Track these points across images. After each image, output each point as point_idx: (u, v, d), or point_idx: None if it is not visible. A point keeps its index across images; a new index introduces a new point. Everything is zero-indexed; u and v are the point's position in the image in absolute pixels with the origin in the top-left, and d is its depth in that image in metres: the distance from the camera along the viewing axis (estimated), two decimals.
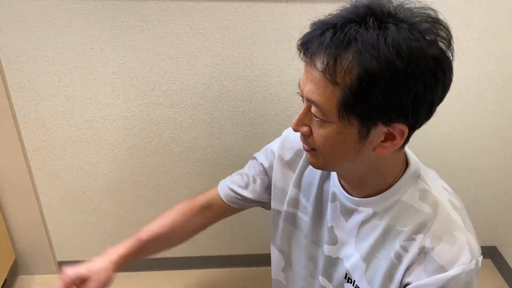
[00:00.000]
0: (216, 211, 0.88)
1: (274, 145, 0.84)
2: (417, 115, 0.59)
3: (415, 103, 0.57)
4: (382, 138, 0.61)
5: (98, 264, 0.81)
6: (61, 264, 1.42)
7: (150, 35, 1.07)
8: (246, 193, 0.85)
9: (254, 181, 0.85)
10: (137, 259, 0.86)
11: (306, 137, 0.66)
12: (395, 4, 0.59)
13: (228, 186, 0.86)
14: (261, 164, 0.85)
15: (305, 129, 0.65)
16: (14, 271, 1.42)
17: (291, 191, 0.81)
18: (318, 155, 0.66)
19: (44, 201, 1.29)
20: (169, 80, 1.14)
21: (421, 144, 1.30)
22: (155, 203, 1.34)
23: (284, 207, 0.83)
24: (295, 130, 0.66)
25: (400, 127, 0.59)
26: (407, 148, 0.69)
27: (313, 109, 0.61)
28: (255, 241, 1.46)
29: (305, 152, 0.69)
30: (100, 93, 1.14)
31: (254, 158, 0.87)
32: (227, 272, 1.49)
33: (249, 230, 1.44)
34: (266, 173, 0.84)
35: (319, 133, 0.62)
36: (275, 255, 0.89)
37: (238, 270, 1.50)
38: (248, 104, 1.19)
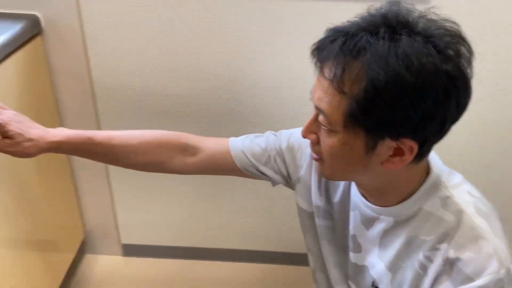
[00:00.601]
0: (219, 166, 0.83)
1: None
2: (426, 132, 0.57)
3: (423, 120, 0.55)
4: (391, 153, 0.59)
5: (37, 135, 0.75)
6: (125, 246, 1.49)
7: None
8: (265, 169, 0.82)
9: (275, 160, 0.82)
10: (78, 155, 0.82)
11: (313, 145, 0.66)
12: (415, 15, 0.57)
13: (244, 152, 0.81)
14: (280, 147, 0.81)
15: (313, 136, 0.64)
16: (82, 250, 1.50)
17: (315, 193, 0.79)
18: (325, 165, 0.65)
19: (114, 185, 1.36)
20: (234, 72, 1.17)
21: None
22: (220, 193, 1.37)
23: (310, 209, 0.81)
24: (304, 136, 0.66)
25: (409, 143, 0.57)
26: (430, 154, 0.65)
27: (320, 118, 0.61)
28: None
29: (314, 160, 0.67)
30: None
31: (275, 135, 0.83)
32: (272, 268, 1.49)
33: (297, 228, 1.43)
34: (284, 158, 0.82)
35: (326, 142, 0.62)
36: (308, 255, 0.88)
37: (283, 268, 1.50)
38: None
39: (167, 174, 1.31)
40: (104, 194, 1.37)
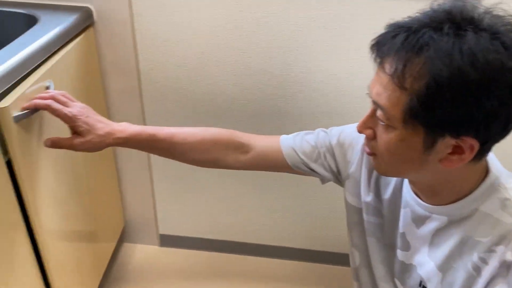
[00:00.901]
0: (270, 163, 0.86)
1: (351, 130, 0.81)
2: (489, 131, 0.55)
3: (487, 118, 0.54)
4: (449, 151, 0.58)
5: (105, 131, 0.80)
6: (163, 237, 1.52)
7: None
8: (315, 166, 0.83)
9: (325, 157, 0.83)
10: (140, 150, 0.87)
11: (369, 140, 0.65)
12: (481, 10, 0.55)
13: (294, 150, 0.83)
14: (331, 143, 0.82)
15: (369, 131, 0.64)
16: (121, 238, 1.54)
17: (365, 189, 0.79)
18: (380, 160, 0.65)
19: (155, 176, 1.39)
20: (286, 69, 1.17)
21: None
22: (259, 189, 1.38)
23: (359, 204, 0.81)
24: (359, 131, 0.65)
25: (470, 142, 0.56)
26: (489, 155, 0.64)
27: (378, 113, 0.60)
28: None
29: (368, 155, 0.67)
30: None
31: (325, 132, 0.85)
32: (314, 267, 1.49)
33: (338, 227, 1.42)
34: (334, 154, 0.82)
35: (382, 138, 0.61)
36: (353, 252, 0.87)
37: (326, 267, 1.49)
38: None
39: (208, 169, 1.35)
40: (145, 185, 1.40)
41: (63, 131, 0.97)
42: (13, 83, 0.81)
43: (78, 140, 0.79)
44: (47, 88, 0.89)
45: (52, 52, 0.95)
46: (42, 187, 0.91)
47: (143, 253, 1.52)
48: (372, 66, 0.61)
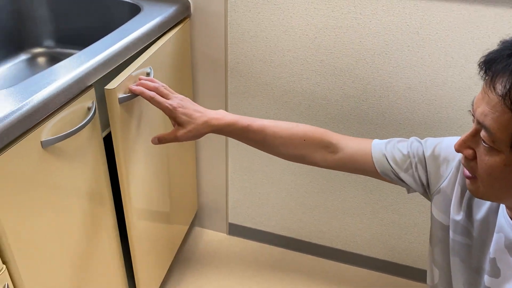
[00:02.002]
0: (357, 166, 0.85)
1: (448, 144, 0.77)
2: None
3: None
4: None
5: (202, 120, 0.85)
6: (231, 226, 1.56)
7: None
8: (404, 176, 0.81)
9: (416, 168, 0.80)
10: (232, 138, 0.90)
11: (468, 161, 0.61)
12: None
13: (385, 156, 0.82)
14: (424, 155, 0.79)
15: (469, 152, 0.60)
16: (193, 222, 1.61)
17: (455, 207, 0.75)
18: (478, 184, 0.61)
19: (231, 165, 1.43)
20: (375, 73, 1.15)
21: None
22: (334, 191, 1.38)
23: (447, 221, 0.77)
24: (458, 150, 0.62)
25: None
26: None
27: (483, 134, 0.56)
28: (417, 252, 1.40)
29: (465, 177, 0.63)
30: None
31: (419, 142, 0.81)
32: (385, 278, 1.46)
33: (417, 241, 1.38)
34: (426, 166, 0.79)
35: (484, 160, 0.57)
36: (432, 269, 0.84)
37: (400, 281, 1.45)
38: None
39: (283, 164, 1.37)
40: (220, 174, 1.46)
41: (160, 115, 1.03)
42: (116, 66, 0.88)
43: (180, 132, 0.85)
44: (148, 74, 0.96)
45: (151, 41, 1.01)
46: (134, 166, 0.98)
47: (211, 239, 1.58)
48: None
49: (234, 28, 1.19)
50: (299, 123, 0.89)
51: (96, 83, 0.84)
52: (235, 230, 1.57)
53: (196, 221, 1.61)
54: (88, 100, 0.82)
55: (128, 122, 0.92)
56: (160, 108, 0.85)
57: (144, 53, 0.97)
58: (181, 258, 1.49)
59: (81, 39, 1.20)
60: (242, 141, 0.90)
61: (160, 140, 0.88)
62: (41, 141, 0.71)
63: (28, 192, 0.71)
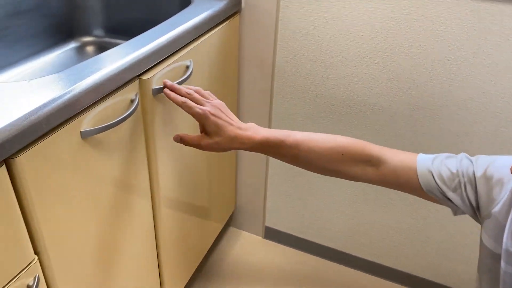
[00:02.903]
0: (400, 182, 0.78)
1: (503, 164, 0.69)
2: None
3: None
4: None
5: (233, 134, 0.79)
6: (268, 229, 1.52)
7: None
8: (452, 196, 0.73)
9: (465, 188, 0.72)
10: (263, 153, 0.84)
11: None
12: None
13: (432, 173, 0.74)
14: (474, 174, 0.71)
15: None
16: (228, 222, 1.58)
17: (510, 235, 0.66)
18: None
19: (271, 168, 1.39)
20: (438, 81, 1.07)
21: None
22: (376, 203, 1.31)
23: (498, 250, 0.69)
24: None
25: None
26: None
27: None
28: (463, 274, 1.30)
29: None
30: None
31: (470, 159, 0.73)
32: None
33: (459, 261, 1.28)
34: (476, 187, 0.71)
35: None
36: None
37: None
38: None
39: (325, 179, 1.31)
40: (259, 175, 1.41)
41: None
42: (162, 59, 0.86)
43: (205, 141, 0.80)
44: (187, 68, 0.93)
45: (199, 34, 0.98)
46: (166, 158, 0.96)
47: (246, 241, 1.54)
48: None
49: (285, 25, 1.14)
50: (337, 135, 0.82)
51: (142, 75, 0.82)
52: (271, 234, 1.52)
53: (232, 221, 1.57)
54: (132, 92, 0.80)
55: (162, 114, 0.89)
56: (191, 114, 0.80)
57: (187, 46, 0.94)
58: (213, 258, 1.46)
59: (130, 30, 1.19)
60: (274, 157, 0.84)
61: (182, 140, 0.83)
62: (80, 132, 0.69)
63: (65, 182, 0.69)
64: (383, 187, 1.24)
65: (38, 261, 0.68)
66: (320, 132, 1.23)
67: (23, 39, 1.10)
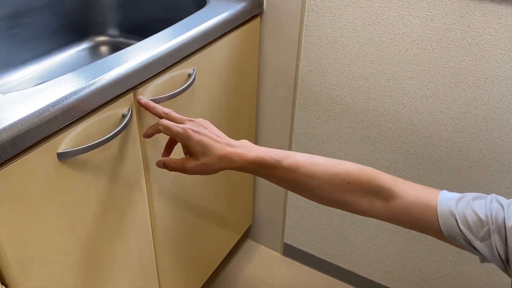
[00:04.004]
0: (416, 222, 0.64)
1: None
2: None
3: None
4: None
5: (222, 153, 0.67)
6: (287, 247, 1.42)
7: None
8: (479, 245, 0.60)
9: (493, 237, 0.59)
10: (255, 175, 0.71)
11: None
12: None
13: (455, 216, 0.61)
14: (505, 223, 0.57)
15: None
16: (246, 234, 1.49)
17: None
18: None
19: None
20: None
21: None
22: (401, 228, 1.18)
23: None
24: None
25: None
26: None
27: None
28: None
29: None
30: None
31: (501, 204, 0.59)
32: None
33: None
34: (506, 239, 0.57)
35: None
36: None
37: None
38: None
39: None
40: (279, 190, 1.31)
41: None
42: (160, 70, 0.77)
43: (191, 163, 0.69)
44: (189, 76, 0.84)
45: (209, 41, 0.89)
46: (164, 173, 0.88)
47: (264, 256, 1.45)
48: None
49: (310, 31, 1.03)
50: (343, 160, 0.69)
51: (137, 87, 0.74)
52: (290, 251, 1.42)
53: (249, 233, 1.49)
54: (123, 107, 0.72)
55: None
56: (170, 135, 0.70)
57: (193, 54, 0.85)
58: (227, 271, 1.38)
59: (145, 30, 1.12)
60: (269, 180, 0.72)
61: (165, 166, 0.72)
62: (57, 153, 0.62)
63: (37, 209, 0.62)
64: None
65: None
66: (345, 150, 1.13)
67: (34, 37, 1.05)
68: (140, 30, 1.14)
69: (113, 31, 1.17)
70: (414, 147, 1.04)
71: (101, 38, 1.17)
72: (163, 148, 0.77)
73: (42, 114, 0.58)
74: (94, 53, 1.15)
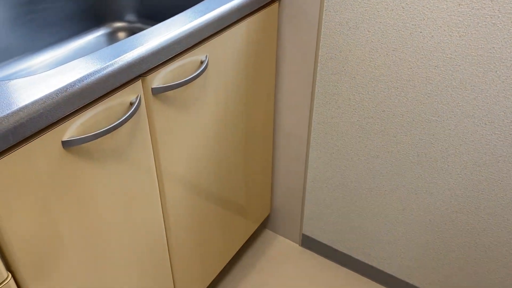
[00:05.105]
0: None
1: None
2: None
3: None
4: None
5: None
6: (305, 237, 1.39)
7: None
8: None
9: None
10: None
11: None
12: None
13: None
14: None
15: None
16: (264, 224, 1.48)
17: None
18: None
19: (310, 173, 1.25)
20: None
21: None
22: (431, 223, 1.13)
23: None
24: None
25: None
26: None
27: None
28: None
29: None
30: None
31: None
32: None
33: None
34: None
35: None
36: None
37: None
38: None
39: (371, 182, 1.15)
40: (297, 179, 1.29)
41: (209, 111, 0.90)
42: (172, 56, 0.75)
43: None
44: (201, 62, 0.82)
45: (223, 26, 0.86)
46: (172, 149, 0.86)
47: (281, 246, 1.43)
48: None
49: (331, 16, 0.98)
50: None
51: (146, 74, 0.72)
52: (309, 242, 1.40)
53: (267, 223, 1.47)
54: (131, 94, 0.70)
55: (166, 117, 0.79)
56: None
57: (206, 40, 0.82)
58: (244, 261, 1.37)
59: (164, 15, 1.10)
60: None
61: None
62: (62, 141, 0.61)
63: (42, 198, 0.62)
64: (436, 206, 1.06)
65: (12, 279, 0.62)
66: (365, 142, 1.08)
67: (52, 23, 1.05)
68: (159, 16, 1.12)
69: (131, 16, 1.15)
70: (437, 139, 0.99)
71: (119, 24, 1.16)
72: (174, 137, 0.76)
73: (46, 101, 0.57)
74: (112, 39, 1.14)
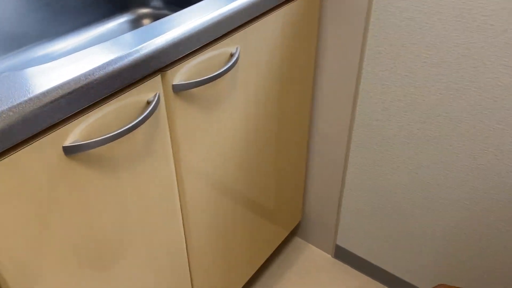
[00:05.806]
0: None
1: None
2: None
3: None
4: None
5: None
6: (339, 248, 1.27)
7: None
8: None
9: None
10: None
11: None
12: None
13: None
14: None
15: None
16: (294, 232, 1.37)
17: None
18: None
19: (348, 181, 1.13)
20: None
21: None
22: (471, 239, 0.99)
23: None
24: None
25: None
26: None
27: None
28: None
29: None
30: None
31: None
32: None
33: None
34: None
35: None
36: None
37: None
38: None
39: (413, 197, 1.02)
40: (334, 187, 1.16)
41: (233, 110, 0.79)
42: (198, 47, 0.65)
43: None
44: (231, 55, 0.71)
45: (256, 15, 0.75)
46: (195, 154, 0.76)
47: (313, 256, 1.32)
48: None
49: (381, 5, 0.85)
50: None
51: (165, 68, 0.62)
52: (342, 254, 1.28)
53: (298, 231, 1.36)
54: (149, 92, 0.60)
55: (190, 118, 0.69)
56: None
57: (235, 31, 0.71)
58: (272, 269, 1.27)
59: (191, 1, 1.00)
60: None
61: None
62: (63, 147, 0.52)
63: (37, 215, 0.53)
64: (477, 219, 0.93)
65: None
66: (414, 149, 0.95)
67: (72, 8, 0.97)
68: (186, 1, 1.02)
69: (157, 2, 1.05)
70: (503, 151, 0.85)
71: (144, 10, 1.06)
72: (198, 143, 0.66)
73: (42, 100, 0.47)
74: (135, 27, 1.05)
